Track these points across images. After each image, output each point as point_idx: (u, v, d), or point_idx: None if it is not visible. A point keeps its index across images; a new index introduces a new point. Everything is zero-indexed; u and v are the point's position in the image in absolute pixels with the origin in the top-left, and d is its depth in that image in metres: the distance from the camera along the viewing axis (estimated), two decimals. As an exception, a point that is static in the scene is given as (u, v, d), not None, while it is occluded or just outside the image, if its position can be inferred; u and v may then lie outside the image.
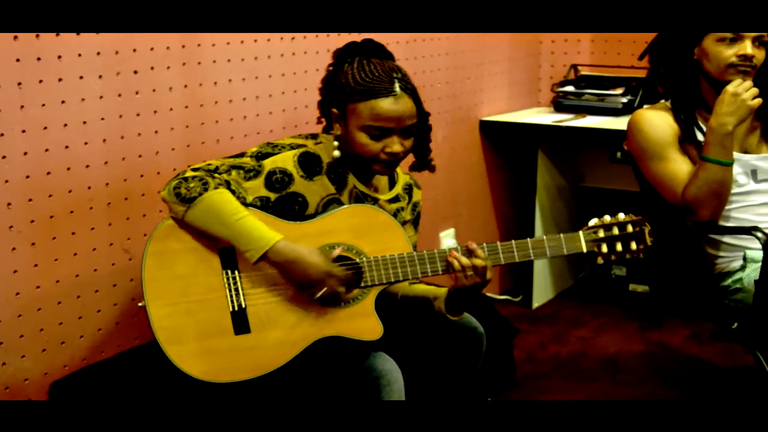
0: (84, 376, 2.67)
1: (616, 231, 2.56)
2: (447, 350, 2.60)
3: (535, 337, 4.17)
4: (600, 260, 2.57)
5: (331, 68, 2.57)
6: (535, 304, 4.57)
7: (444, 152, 4.14)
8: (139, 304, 2.41)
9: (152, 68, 2.80)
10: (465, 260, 2.46)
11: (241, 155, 2.47)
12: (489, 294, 4.43)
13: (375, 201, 2.59)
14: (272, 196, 2.44)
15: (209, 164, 2.41)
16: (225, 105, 3.05)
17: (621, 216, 2.58)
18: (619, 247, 2.56)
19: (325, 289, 2.39)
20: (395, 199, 2.65)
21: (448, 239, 4.21)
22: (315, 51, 3.31)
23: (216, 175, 2.38)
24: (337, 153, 2.52)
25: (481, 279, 2.48)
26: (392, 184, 2.68)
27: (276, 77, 3.19)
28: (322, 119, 2.62)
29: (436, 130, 4.04)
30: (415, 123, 2.51)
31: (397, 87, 2.47)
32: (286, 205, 2.46)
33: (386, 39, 3.65)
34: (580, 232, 2.56)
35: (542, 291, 4.61)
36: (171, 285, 2.40)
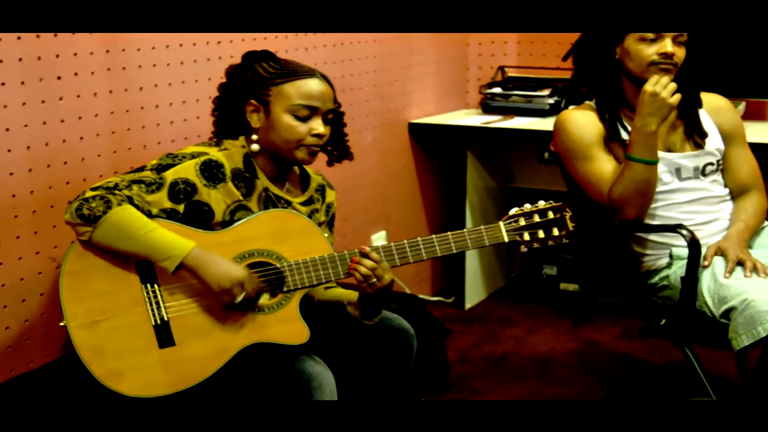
0: (12, 387, 2.62)
1: (537, 218, 2.57)
2: (378, 352, 2.60)
3: (468, 338, 4.19)
4: (523, 248, 2.57)
5: (225, 83, 2.61)
6: (468, 305, 4.59)
7: (373, 155, 4.15)
8: (60, 324, 2.38)
9: (76, 74, 2.76)
10: (364, 270, 2.45)
11: (141, 169, 2.43)
12: (422, 296, 4.44)
13: (288, 203, 2.58)
14: (179, 207, 2.41)
15: (109, 182, 2.38)
16: (151, 110, 3.02)
17: (541, 203, 2.59)
18: (541, 234, 2.57)
19: (242, 295, 2.38)
20: (309, 201, 2.64)
21: (379, 242, 4.21)
22: (241, 55, 3.29)
23: (116, 192, 2.35)
24: (256, 147, 2.52)
25: (382, 284, 2.47)
26: (305, 186, 2.67)
27: (203, 81, 3.17)
28: (213, 136, 2.61)
29: (365, 133, 4.05)
30: (334, 109, 2.56)
31: (316, 72, 2.54)
32: (192, 214, 2.43)
33: (314, 41, 3.66)
34: (501, 223, 2.56)
35: (474, 292, 4.63)
36: (90, 303, 2.37)
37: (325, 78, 2.55)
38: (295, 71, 2.51)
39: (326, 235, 2.67)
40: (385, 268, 2.47)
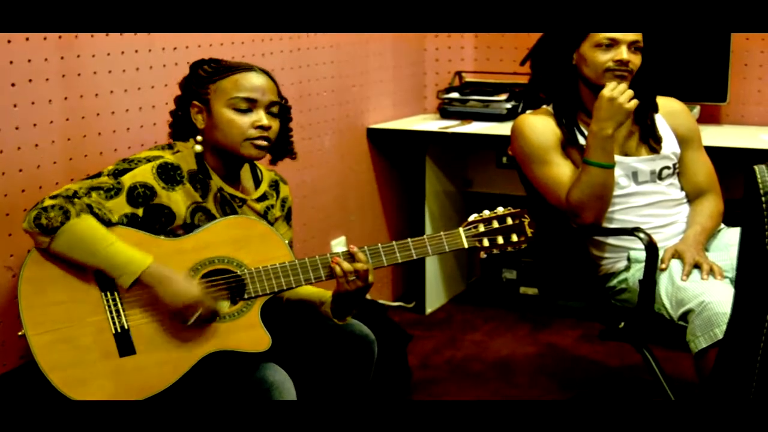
0: (-33, 398, 2.59)
1: (496, 224, 2.59)
2: (338, 359, 2.59)
3: (429, 343, 4.19)
4: (483, 254, 2.59)
5: (178, 95, 2.61)
6: (429, 310, 4.59)
7: (332, 160, 4.14)
8: (19, 334, 2.35)
9: (30, 81, 2.73)
10: (346, 265, 2.47)
11: (98, 175, 2.42)
12: (382, 301, 4.43)
13: (243, 202, 2.57)
14: (139, 211, 2.40)
15: (67, 189, 2.36)
16: (107, 117, 3.00)
17: (500, 209, 2.61)
18: (500, 240, 2.59)
19: (196, 314, 2.37)
20: (263, 198, 2.64)
21: (339, 247, 4.20)
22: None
23: (76, 200, 2.33)
24: (199, 148, 2.50)
25: (363, 283, 2.48)
26: (257, 183, 2.66)
27: (159, 88, 3.15)
28: (170, 140, 2.61)
29: (323, 138, 4.05)
30: (278, 102, 2.53)
31: (254, 67, 2.53)
32: (153, 218, 2.42)
33: (270, 47, 3.65)
34: (460, 229, 2.58)
35: (435, 296, 4.63)
36: (49, 311, 2.35)
37: (264, 72, 2.54)
38: (231, 67, 2.51)
39: (283, 230, 2.67)
40: (370, 269, 2.49)
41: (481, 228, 2.58)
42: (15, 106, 2.71)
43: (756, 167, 1.91)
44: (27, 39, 2.71)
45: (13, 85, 2.69)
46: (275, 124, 2.52)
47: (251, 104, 2.47)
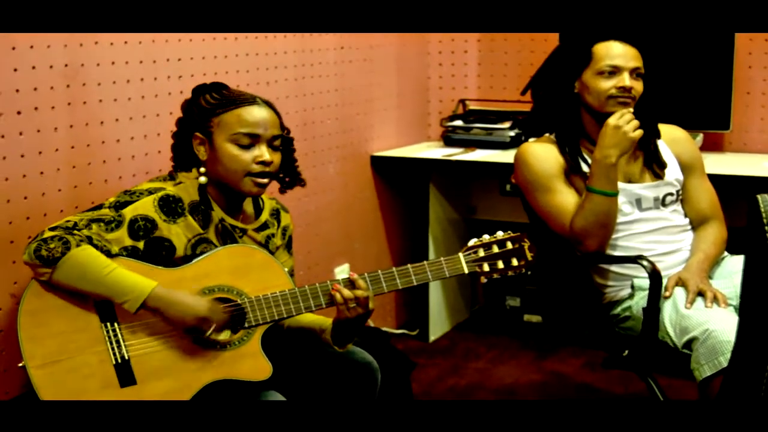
0: (-31, 426, 2.58)
1: (496, 249, 2.58)
2: (342, 386, 2.58)
3: (432, 370, 4.18)
4: (483, 279, 2.58)
5: (180, 118, 2.59)
6: (432, 338, 4.58)
7: (336, 188, 4.15)
8: (19, 365, 2.35)
9: (36, 108, 2.74)
10: (347, 292, 2.46)
11: (99, 207, 2.42)
12: (385, 329, 4.43)
13: (243, 232, 2.57)
14: (140, 244, 2.40)
15: (67, 221, 2.36)
16: (112, 144, 3.01)
17: (499, 234, 2.61)
18: (500, 264, 2.58)
19: (212, 327, 2.37)
20: (264, 227, 2.64)
21: (342, 275, 4.19)
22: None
23: (75, 232, 2.33)
24: (203, 179, 2.50)
25: (363, 310, 2.47)
26: (258, 212, 2.66)
27: (164, 116, 3.16)
28: (173, 167, 2.61)
29: (327, 166, 4.05)
30: (280, 135, 2.52)
31: (257, 99, 2.52)
32: (153, 250, 2.42)
33: (275, 75, 3.66)
34: (460, 254, 2.57)
35: (438, 324, 4.63)
36: (49, 343, 2.35)
37: (268, 104, 2.53)
38: (234, 100, 2.49)
39: (284, 259, 2.67)
40: (370, 296, 2.48)
41: (481, 253, 2.58)
42: (21, 134, 2.72)
43: (759, 197, 1.92)
44: (33, 68, 2.72)
45: (18, 113, 2.70)
46: (277, 158, 2.52)
47: (254, 140, 2.47)
